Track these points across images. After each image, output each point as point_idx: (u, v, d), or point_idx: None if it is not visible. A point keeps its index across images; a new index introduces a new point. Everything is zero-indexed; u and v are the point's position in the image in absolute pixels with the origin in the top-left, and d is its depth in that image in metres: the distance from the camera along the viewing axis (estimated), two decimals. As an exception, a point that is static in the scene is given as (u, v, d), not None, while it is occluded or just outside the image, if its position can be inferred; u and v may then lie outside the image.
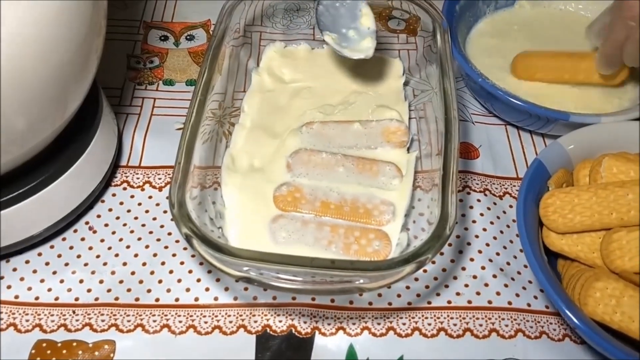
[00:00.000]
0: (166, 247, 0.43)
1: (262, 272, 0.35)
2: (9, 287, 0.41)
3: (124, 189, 0.47)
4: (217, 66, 0.45)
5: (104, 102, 0.45)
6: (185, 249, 0.43)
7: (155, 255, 0.43)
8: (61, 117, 0.38)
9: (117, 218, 0.45)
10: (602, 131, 0.44)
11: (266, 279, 0.35)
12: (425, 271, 0.43)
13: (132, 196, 0.46)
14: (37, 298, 0.41)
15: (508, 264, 0.44)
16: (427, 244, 0.35)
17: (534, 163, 0.41)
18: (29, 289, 0.41)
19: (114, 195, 0.46)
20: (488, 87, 0.48)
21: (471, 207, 0.47)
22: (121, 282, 0.42)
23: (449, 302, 0.41)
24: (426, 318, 0.41)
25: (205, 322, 0.40)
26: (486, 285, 0.42)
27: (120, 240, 0.44)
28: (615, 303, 0.36)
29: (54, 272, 0.42)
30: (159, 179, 0.47)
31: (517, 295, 0.42)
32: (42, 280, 0.42)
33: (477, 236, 0.45)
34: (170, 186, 0.36)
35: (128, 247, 0.43)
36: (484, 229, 0.45)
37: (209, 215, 0.41)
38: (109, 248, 0.43)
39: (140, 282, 0.42)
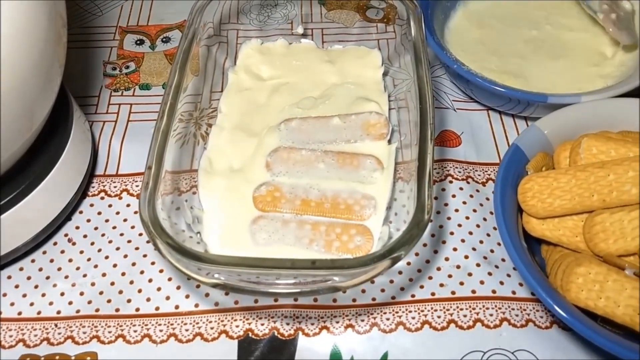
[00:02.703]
0: (145, 256, 0.43)
1: (241, 277, 0.35)
2: (-9, 303, 0.41)
3: (102, 198, 0.46)
4: (191, 68, 0.45)
5: (75, 112, 0.45)
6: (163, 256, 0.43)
7: (134, 264, 0.43)
8: (28, 130, 0.38)
9: (96, 228, 0.45)
10: (582, 111, 0.43)
11: (243, 285, 0.34)
12: (408, 264, 0.42)
13: (109, 205, 0.46)
14: (19, 313, 0.41)
15: (492, 251, 0.43)
16: (402, 238, 0.34)
17: (511, 148, 0.40)
18: (12, 304, 0.41)
19: (91, 205, 0.46)
20: (463, 73, 0.47)
21: (453, 196, 0.46)
22: (101, 293, 0.41)
23: (433, 294, 0.41)
24: (410, 312, 0.40)
25: (187, 330, 0.39)
26: (470, 274, 0.41)
27: (99, 251, 0.43)
28: (599, 288, 0.35)
29: (36, 286, 0.42)
30: (137, 186, 0.47)
31: (502, 283, 0.41)
32: (24, 295, 0.41)
33: (459, 225, 0.44)
34: (139, 195, 0.36)
35: (107, 257, 0.43)
36: (467, 217, 0.44)
37: (185, 221, 0.41)
38: (88, 259, 0.43)
39: (120, 292, 0.41)
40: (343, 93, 0.51)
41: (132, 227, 0.45)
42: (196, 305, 0.41)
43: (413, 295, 0.41)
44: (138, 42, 0.59)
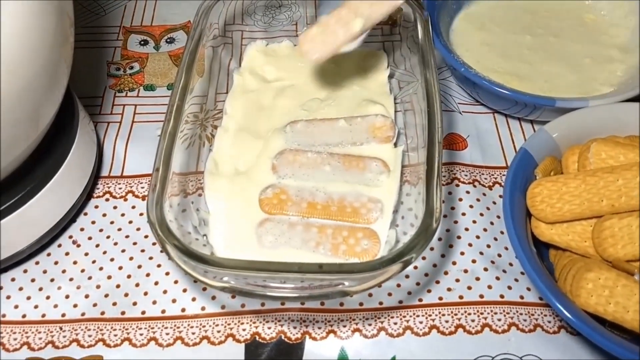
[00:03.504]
0: (151, 258, 0.43)
1: (248, 281, 0.34)
2: (-5, 306, 0.41)
3: (107, 200, 0.46)
4: (196, 69, 0.44)
5: (80, 112, 0.44)
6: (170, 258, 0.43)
7: (139, 267, 0.42)
8: (35, 132, 0.37)
9: (101, 230, 0.44)
10: (590, 115, 0.43)
11: (250, 288, 0.34)
12: (415, 268, 0.42)
13: (114, 207, 0.46)
14: (24, 316, 0.40)
15: (499, 255, 0.43)
16: (411, 242, 0.34)
17: (520, 152, 0.40)
18: (16, 307, 0.41)
19: (96, 207, 0.46)
20: (471, 76, 0.47)
21: (460, 200, 0.46)
22: (107, 296, 0.41)
23: (440, 298, 0.41)
24: (417, 316, 0.40)
25: (193, 333, 0.39)
26: (477, 279, 0.41)
27: (104, 253, 0.43)
28: (608, 293, 0.35)
29: (40, 289, 0.42)
30: (142, 187, 0.47)
31: (509, 287, 0.41)
32: (28, 298, 0.41)
33: (467, 229, 0.44)
34: (147, 197, 0.36)
35: (112, 259, 0.43)
36: (474, 221, 0.44)
37: (192, 223, 0.40)
38: (94, 262, 0.43)
39: (126, 295, 0.41)
40: (348, 95, 0.51)
41: (138, 229, 0.44)
42: (203, 308, 0.40)
43: (420, 300, 0.41)
44: (142, 42, 0.58)
